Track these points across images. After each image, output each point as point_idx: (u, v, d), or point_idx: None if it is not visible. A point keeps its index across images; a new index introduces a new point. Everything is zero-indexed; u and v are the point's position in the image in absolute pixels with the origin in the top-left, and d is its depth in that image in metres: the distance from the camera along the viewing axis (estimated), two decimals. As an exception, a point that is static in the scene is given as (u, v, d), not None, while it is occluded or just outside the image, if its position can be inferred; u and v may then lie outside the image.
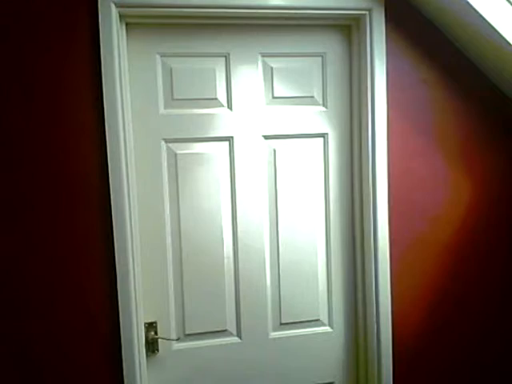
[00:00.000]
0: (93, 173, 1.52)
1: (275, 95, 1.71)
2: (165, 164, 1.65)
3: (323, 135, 1.76)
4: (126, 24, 1.57)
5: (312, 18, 1.66)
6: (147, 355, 1.66)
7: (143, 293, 1.64)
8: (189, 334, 1.71)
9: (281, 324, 1.78)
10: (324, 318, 1.82)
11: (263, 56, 1.69)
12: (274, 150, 1.73)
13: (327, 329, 1.83)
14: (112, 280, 1.55)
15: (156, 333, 1.67)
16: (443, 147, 1.78)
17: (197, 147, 1.67)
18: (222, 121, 1.68)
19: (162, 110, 1.63)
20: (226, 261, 1.72)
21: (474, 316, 1.87)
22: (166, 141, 1.64)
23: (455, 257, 1.84)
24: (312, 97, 1.74)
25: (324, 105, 1.75)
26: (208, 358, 1.72)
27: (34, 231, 1.51)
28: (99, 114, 1.50)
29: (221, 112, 1.67)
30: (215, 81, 1.66)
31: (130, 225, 1.56)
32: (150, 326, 1.66)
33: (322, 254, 1.80)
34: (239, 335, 1.75)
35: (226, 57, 1.66)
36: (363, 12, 1.65)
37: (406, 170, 1.76)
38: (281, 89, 1.71)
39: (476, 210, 1.84)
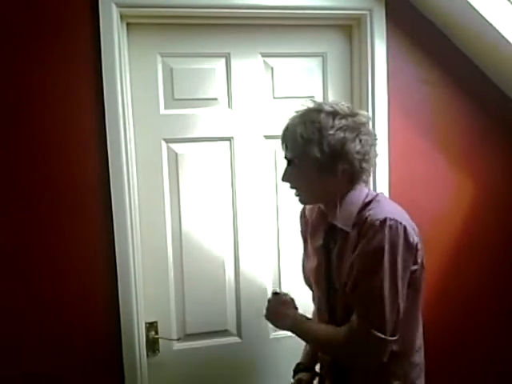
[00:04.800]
0: (94, 173, 1.52)
1: (276, 95, 1.71)
2: (165, 164, 1.65)
3: (324, 135, 1.76)
4: (127, 24, 1.57)
5: (312, 18, 1.66)
6: (148, 355, 1.65)
7: (144, 293, 1.64)
8: (189, 334, 1.71)
9: (281, 324, 1.78)
10: (325, 318, 1.82)
11: (263, 56, 1.68)
12: (275, 151, 1.73)
13: (328, 329, 1.82)
14: (113, 280, 1.55)
15: (157, 333, 1.67)
16: (444, 147, 1.78)
17: (197, 147, 1.67)
18: (223, 121, 1.68)
19: (162, 110, 1.63)
20: (226, 260, 1.72)
21: (474, 316, 1.87)
22: (167, 141, 1.64)
23: (456, 257, 1.83)
24: (313, 97, 1.73)
25: (325, 105, 1.75)
26: (208, 358, 1.72)
27: (35, 232, 1.51)
28: (100, 114, 1.50)
29: (221, 112, 1.67)
30: (215, 81, 1.66)
31: (131, 224, 1.56)
32: (151, 326, 1.66)
33: (322, 254, 1.80)
34: (240, 335, 1.75)
35: (226, 57, 1.66)
36: (364, 12, 1.65)
37: (407, 170, 1.75)
38: (281, 89, 1.71)
39: (478, 211, 1.83)
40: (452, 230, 1.81)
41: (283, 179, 1.21)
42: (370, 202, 1.15)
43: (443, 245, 1.82)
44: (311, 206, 1.33)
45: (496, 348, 1.89)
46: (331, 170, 1.12)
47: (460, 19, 1.60)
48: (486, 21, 1.51)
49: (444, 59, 1.74)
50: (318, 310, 1.32)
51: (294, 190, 1.22)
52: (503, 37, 1.53)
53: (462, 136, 1.79)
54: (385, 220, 1.05)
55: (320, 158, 1.10)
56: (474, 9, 1.50)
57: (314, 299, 1.36)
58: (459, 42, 1.72)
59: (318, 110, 1.13)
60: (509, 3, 1.51)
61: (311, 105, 1.16)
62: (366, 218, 1.09)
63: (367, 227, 1.07)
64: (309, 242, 1.32)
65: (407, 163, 1.75)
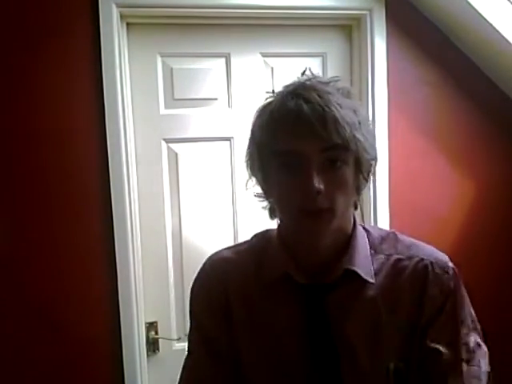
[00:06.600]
0: (93, 173, 1.52)
1: (276, 95, 1.71)
2: (165, 164, 1.65)
3: (324, 135, 1.76)
4: (127, 24, 1.57)
5: (312, 18, 1.66)
6: (148, 355, 1.65)
7: (144, 293, 1.64)
8: (189, 334, 1.71)
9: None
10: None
11: (263, 56, 1.68)
12: (275, 150, 1.72)
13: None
14: (113, 280, 1.55)
15: (157, 332, 1.67)
16: (444, 147, 1.78)
17: (197, 147, 1.67)
18: (223, 121, 1.68)
19: (162, 110, 1.63)
20: (226, 261, 1.71)
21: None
22: (167, 141, 1.64)
23: (456, 258, 1.82)
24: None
25: (325, 105, 1.75)
26: (208, 358, 1.72)
27: (35, 232, 1.51)
28: (100, 115, 1.50)
29: (221, 112, 1.67)
30: (215, 81, 1.66)
31: (131, 224, 1.56)
32: (151, 326, 1.66)
33: (322, 254, 1.79)
34: (240, 335, 1.75)
35: (226, 57, 1.66)
36: (364, 12, 1.65)
37: (406, 170, 1.75)
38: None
39: (478, 211, 1.82)
40: (452, 230, 1.81)
41: (318, 187, 0.68)
42: (372, 237, 0.82)
43: (443, 245, 1.79)
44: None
45: (496, 348, 1.89)
46: (364, 174, 0.75)
47: (460, 19, 1.60)
48: (486, 21, 1.51)
49: (444, 59, 1.74)
50: None
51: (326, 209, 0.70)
52: (503, 37, 1.53)
53: (462, 136, 1.79)
54: (450, 266, 0.82)
55: (366, 149, 0.72)
56: (474, 9, 1.50)
57: None
58: (459, 42, 1.72)
59: (330, 84, 0.76)
60: (509, 3, 1.51)
61: (315, 78, 0.78)
62: (425, 265, 0.81)
63: (439, 279, 0.81)
64: (248, 326, 0.80)
65: (407, 163, 1.74)
